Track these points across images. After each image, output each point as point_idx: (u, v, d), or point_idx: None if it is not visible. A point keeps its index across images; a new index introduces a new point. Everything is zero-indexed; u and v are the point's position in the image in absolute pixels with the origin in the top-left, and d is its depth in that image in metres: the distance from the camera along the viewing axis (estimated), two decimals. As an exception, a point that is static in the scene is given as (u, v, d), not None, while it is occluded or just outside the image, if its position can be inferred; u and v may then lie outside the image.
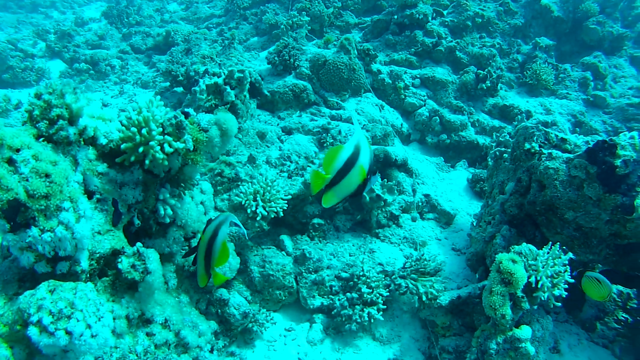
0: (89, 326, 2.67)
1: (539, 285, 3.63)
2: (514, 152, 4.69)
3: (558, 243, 3.82)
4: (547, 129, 4.48)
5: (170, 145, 3.22)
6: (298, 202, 4.93)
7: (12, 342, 2.78)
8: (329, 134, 5.66)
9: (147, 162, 3.16)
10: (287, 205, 4.53)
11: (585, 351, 4.30)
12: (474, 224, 5.22)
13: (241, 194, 4.43)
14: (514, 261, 3.58)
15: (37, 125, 2.99)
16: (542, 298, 3.66)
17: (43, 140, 3.01)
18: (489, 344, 3.64)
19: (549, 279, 3.68)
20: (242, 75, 5.14)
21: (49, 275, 2.97)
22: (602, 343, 4.39)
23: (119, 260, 3.31)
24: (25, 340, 2.76)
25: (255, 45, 9.50)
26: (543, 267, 3.68)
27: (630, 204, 3.80)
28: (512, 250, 3.80)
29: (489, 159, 5.29)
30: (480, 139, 7.01)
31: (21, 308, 2.72)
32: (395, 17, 8.18)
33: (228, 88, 5.12)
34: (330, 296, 4.55)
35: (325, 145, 5.60)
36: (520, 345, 3.53)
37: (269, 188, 4.40)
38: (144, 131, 3.11)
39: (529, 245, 3.81)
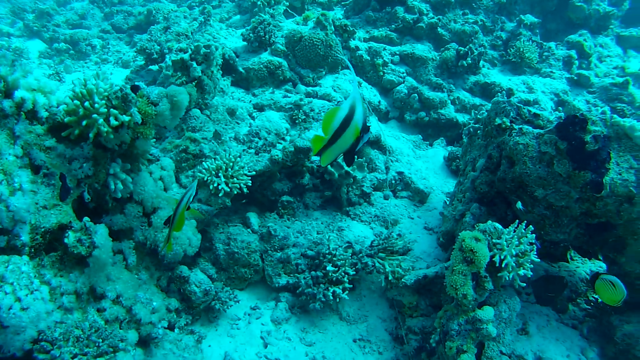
0: (18, 299, 2.58)
1: (502, 265, 3.52)
2: (486, 128, 4.57)
3: (525, 221, 3.71)
4: (519, 104, 4.35)
5: (116, 119, 3.09)
6: (265, 179, 4.81)
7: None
8: (300, 111, 5.51)
9: (90, 135, 3.04)
10: (251, 182, 4.41)
11: (554, 332, 4.23)
12: (447, 202, 5.11)
13: (204, 170, 4.31)
14: (477, 239, 3.47)
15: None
16: (507, 278, 3.56)
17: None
18: (450, 324, 3.54)
19: (514, 258, 3.57)
20: (208, 50, 4.97)
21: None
22: (572, 324, 4.31)
23: (66, 234, 3.22)
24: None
25: (237, 24, 9.26)
26: (508, 246, 3.56)
27: (599, 182, 3.68)
28: (477, 228, 3.69)
29: (464, 136, 5.17)
30: (460, 117, 6.87)
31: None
32: (376, -8, 7.99)
33: (194, 64, 4.96)
34: (296, 274, 4.46)
35: (297, 121, 5.47)
36: (481, 327, 3.43)
37: (231, 164, 4.27)
38: (86, 104, 2.98)
39: (494, 223, 3.70)
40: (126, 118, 3.11)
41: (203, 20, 7.66)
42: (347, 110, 2.16)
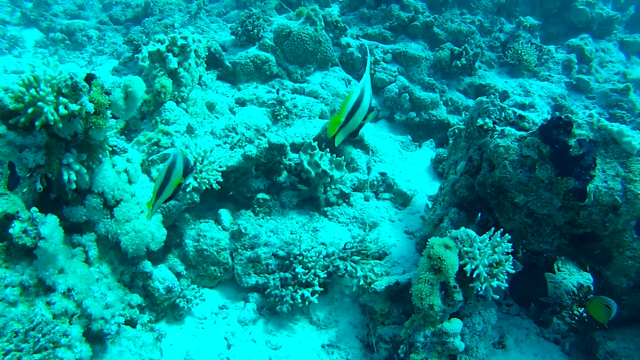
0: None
1: (474, 275, 3.32)
2: (468, 129, 4.38)
3: (501, 230, 3.51)
4: (503, 105, 4.15)
5: (66, 107, 2.95)
6: (239, 175, 4.64)
7: None
8: (283, 107, 5.34)
9: (37, 123, 2.89)
10: (222, 178, 4.24)
11: (533, 347, 4.01)
12: (429, 205, 4.92)
13: (172, 164, 4.14)
14: (447, 246, 3.28)
15: None
16: (479, 289, 3.36)
17: None
18: (416, 336, 3.35)
19: (487, 268, 3.37)
20: (185, 42, 4.81)
21: None
22: (554, 338, 4.09)
23: (12, 224, 3.08)
24: None
25: (234, 18, 9.14)
26: (480, 255, 3.36)
27: (582, 189, 3.47)
28: (449, 234, 3.49)
29: (449, 137, 4.97)
30: (451, 119, 6.66)
31: None
32: (372, -11, 7.80)
33: (170, 55, 4.79)
34: (266, 275, 4.28)
35: (278, 118, 5.29)
36: (447, 340, 3.24)
37: (200, 158, 4.11)
38: (32, 91, 2.84)
39: (467, 230, 3.50)
40: (76, 107, 2.96)
41: (193, 13, 7.50)
42: (359, 93, 2.40)
